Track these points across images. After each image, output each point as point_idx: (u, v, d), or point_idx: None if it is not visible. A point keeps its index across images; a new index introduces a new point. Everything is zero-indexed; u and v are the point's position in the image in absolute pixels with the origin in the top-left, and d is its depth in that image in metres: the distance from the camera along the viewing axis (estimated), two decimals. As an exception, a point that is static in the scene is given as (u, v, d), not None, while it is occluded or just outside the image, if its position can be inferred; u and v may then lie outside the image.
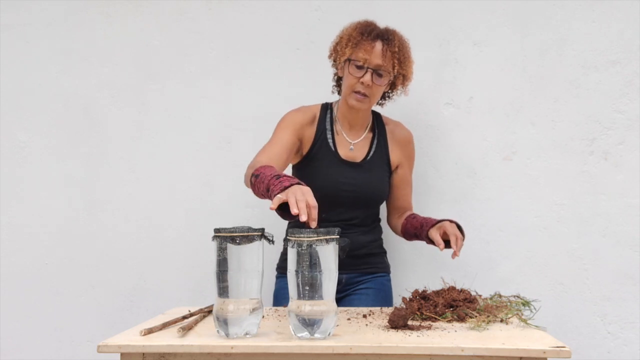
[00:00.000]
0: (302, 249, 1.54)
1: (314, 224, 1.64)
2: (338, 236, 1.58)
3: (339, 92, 2.27)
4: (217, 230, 1.59)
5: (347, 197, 2.18)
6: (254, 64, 2.60)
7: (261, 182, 1.84)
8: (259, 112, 2.56)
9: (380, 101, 2.29)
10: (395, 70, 2.10)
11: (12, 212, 2.67)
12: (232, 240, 1.57)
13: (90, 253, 2.64)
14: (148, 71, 2.64)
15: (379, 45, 2.08)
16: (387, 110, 2.42)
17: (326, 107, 2.26)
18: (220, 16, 2.62)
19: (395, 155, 2.28)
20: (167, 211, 2.62)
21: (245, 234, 1.58)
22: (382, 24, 2.54)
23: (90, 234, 2.64)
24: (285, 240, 1.74)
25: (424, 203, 2.52)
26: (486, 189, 2.52)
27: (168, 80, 2.63)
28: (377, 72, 2.08)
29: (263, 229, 1.62)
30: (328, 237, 1.55)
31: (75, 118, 2.66)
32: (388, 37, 2.10)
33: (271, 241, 1.63)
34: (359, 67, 2.08)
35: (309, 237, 1.54)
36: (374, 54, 2.07)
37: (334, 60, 2.20)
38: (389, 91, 2.25)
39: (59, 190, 2.65)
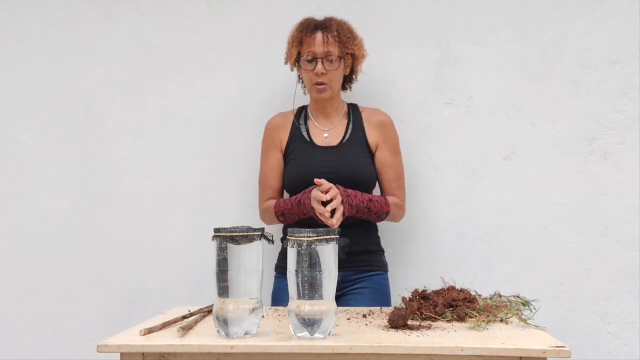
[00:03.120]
0: (302, 249, 1.54)
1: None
2: (338, 236, 1.58)
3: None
4: (217, 230, 1.59)
5: (328, 180, 2.19)
6: (253, 64, 2.60)
7: (291, 214, 2.19)
8: (259, 112, 2.56)
9: (347, 85, 2.39)
10: (340, 52, 2.23)
11: (12, 212, 2.67)
12: (232, 240, 1.57)
13: (90, 253, 2.63)
14: (148, 71, 2.64)
15: (319, 35, 2.22)
16: (385, 109, 2.42)
17: (301, 109, 2.40)
18: (220, 16, 2.62)
19: (372, 137, 2.32)
20: (167, 211, 2.62)
21: (245, 234, 1.58)
22: (381, 24, 2.55)
23: (90, 234, 2.64)
24: (284, 240, 1.75)
25: (424, 203, 2.53)
26: (486, 189, 2.52)
27: (168, 80, 2.63)
28: (326, 59, 2.21)
29: (263, 229, 1.63)
30: (328, 237, 1.55)
31: (75, 118, 2.66)
32: (326, 25, 2.25)
33: (271, 241, 1.64)
34: (310, 61, 2.23)
35: (309, 237, 1.54)
36: (317, 45, 2.21)
37: (291, 64, 2.33)
38: (350, 74, 2.35)
39: (59, 190, 2.65)
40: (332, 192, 2.07)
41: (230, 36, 2.62)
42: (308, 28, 2.24)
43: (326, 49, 2.21)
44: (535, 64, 2.51)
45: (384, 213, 2.22)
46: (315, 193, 2.08)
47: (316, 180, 2.08)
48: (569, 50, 2.49)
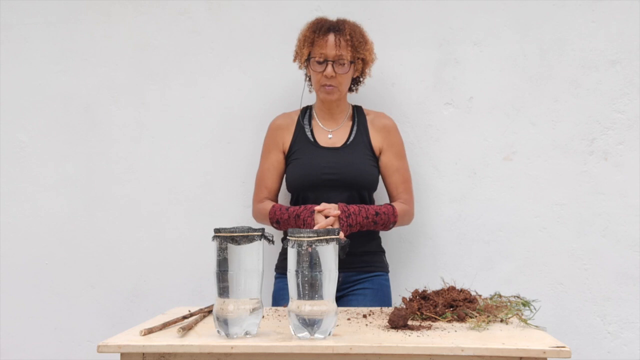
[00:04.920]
0: (302, 249, 1.54)
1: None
2: (338, 236, 1.58)
3: None
4: (217, 230, 1.59)
5: (330, 181, 2.22)
6: (253, 64, 2.60)
7: (287, 224, 2.19)
8: (259, 112, 2.56)
9: (353, 87, 2.38)
10: (351, 56, 2.21)
11: (12, 212, 2.67)
12: (232, 240, 1.57)
13: (90, 253, 2.64)
14: (148, 71, 2.64)
15: (331, 37, 2.20)
16: (385, 110, 2.42)
17: (305, 109, 2.39)
18: (220, 16, 2.62)
19: (376, 140, 2.31)
20: (167, 211, 2.62)
21: (245, 234, 1.58)
22: (381, 24, 2.55)
23: (90, 234, 2.64)
24: (284, 240, 1.75)
25: (424, 203, 2.53)
26: (486, 189, 2.52)
27: (168, 80, 2.63)
28: (337, 62, 2.20)
29: (263, 229, 1.63)
30: (328, 237, 1.55)
31: (75, 118, 2.66)
32: (339, 28, 2.22)
33: (271, 241, 1.64)
34: (320, 63, 2.22)
35: (309, 237, 1.54)
36: (328, 47, 2.20)
37: (300, 63, 2.31)
38: (358, 76, 2.35)
39: (59, 190, 2.65)
40: (330, 213, 2.12)
41: (230, 36, 2.62)
42: (321, 29, 2.22)
43: (338, 52, 2.19)
44: (535, 64, 2.51)
45: (390, 223, 2.22)
46: (318, 218, 2.12)
47: (317, 208, 2.12)
48: (569, 51, 2.50)
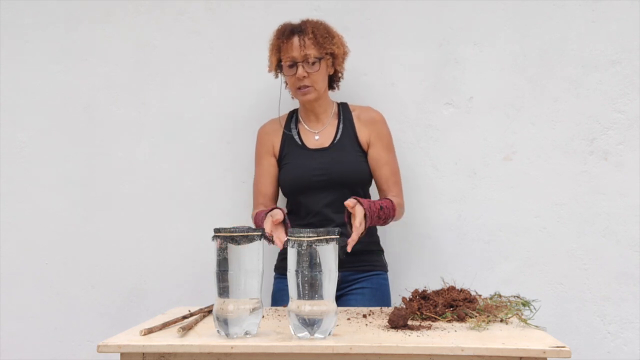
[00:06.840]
0: (302, 249, 1.54)
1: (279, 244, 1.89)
2: (338, 236, 1.58)
3: None
4: (217, 230, 1.59)
5: (321, 182, 2.22)
6: (253, 64, 2.60)
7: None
8: (259, 112, 2.56)
9: (333, 84, 2.38)
10: (318, 53, 2.21)
11: (12, 212, 2.67)
12: (232, 240, 1.58)
13: (90, 253, 2.63)
14: (148, 71, 2.64)
15: (295, 39, 2.21)
16: (385, 109, 2.42)
17: (292, 113, 2.40)
18: (220, 16, 2.62)
19: (363, 134, 2.30)
20: (167, 211, 2.62)
21: (245, 234, 1.58)
22: (381, 24, 2.54)
23: (90, 234, 2.64)
24: (285, 241, 1.74)
25: (424, 203, 2.53)
26: (486, 189, 2.52)
27: (168, 80, 2.63)
28: (305, 62, 2.20)
29: (263, 229, 1.63)
30: (328, 237, 1.55)
31: (75, 118, 2.66)
32: (301, 29, 2.23)
33: (271, 241, 1.64)
34: (290, 66, 2.23)
35: (309, 237, 1.54)
36: (294, 49, 2.21)
37: (274, 72, 2.33)
38: (334, 73, 2.33)
39: (59, 190, 2.65)
40: (358, 213, 1.96)
41: (230, 36, 2.62)
42: (284, 33, 2.24)
43: (303, 52, 2.20)
44: (535, 64, 2.51)
45: (390, 217, 2.18)
46: (273, 212, 1.99)
47: (346, 203, 1.96)
48: (569, 51, 2.50)
